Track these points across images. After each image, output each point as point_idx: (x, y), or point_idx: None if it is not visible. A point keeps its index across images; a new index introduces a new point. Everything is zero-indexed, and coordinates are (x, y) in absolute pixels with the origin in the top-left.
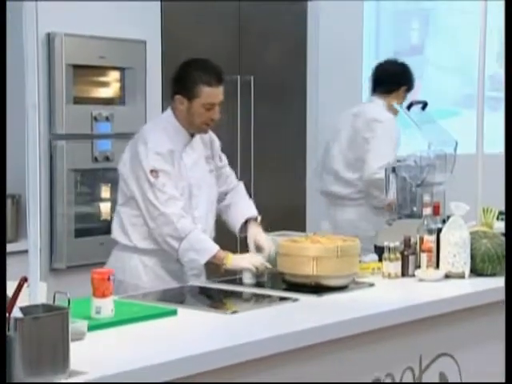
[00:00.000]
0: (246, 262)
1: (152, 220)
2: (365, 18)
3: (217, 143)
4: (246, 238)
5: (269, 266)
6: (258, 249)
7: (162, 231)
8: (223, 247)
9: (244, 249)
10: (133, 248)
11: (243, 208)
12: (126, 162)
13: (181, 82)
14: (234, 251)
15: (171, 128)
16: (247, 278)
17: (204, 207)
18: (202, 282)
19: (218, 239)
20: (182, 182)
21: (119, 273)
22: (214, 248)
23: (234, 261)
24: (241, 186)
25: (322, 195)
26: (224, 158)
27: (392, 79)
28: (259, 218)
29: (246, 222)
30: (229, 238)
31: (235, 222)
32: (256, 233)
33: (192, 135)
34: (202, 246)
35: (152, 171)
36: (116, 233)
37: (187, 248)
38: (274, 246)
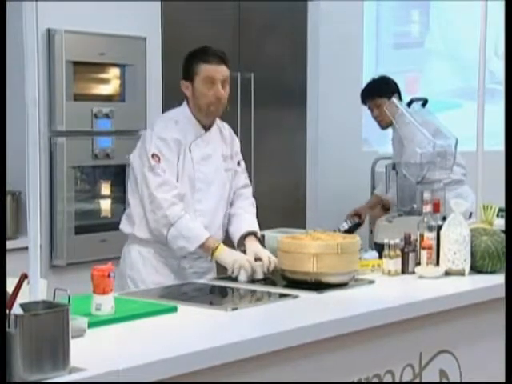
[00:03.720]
0: (232, 259)
1: (146, 204)
2: (365, 14)
3: (238, 145)
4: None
5: (260, 271)
6: (256, 260)
7: (153, 216)
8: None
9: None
10: (133, 237)
11: (246, 222)
12: (136, 150)
13: (184, 69)
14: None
15: (183, 118)
16: (241, 276)
17: (210, 203)
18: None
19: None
20: (184, 173)
21: (122, 264)
22: (204, 235)
23: (221, 254)
24: (252, 201)
25: None
26: (242, 163)
27: None
28: (260, 235)
29: (246, 236)
30: None
31: (236, 232)
32: (255, 246)
33: (207, 128)
34: (192, 234)
35: (154, 155)
36: (122, 223)
37: (176, 235)
38: (274, 260)
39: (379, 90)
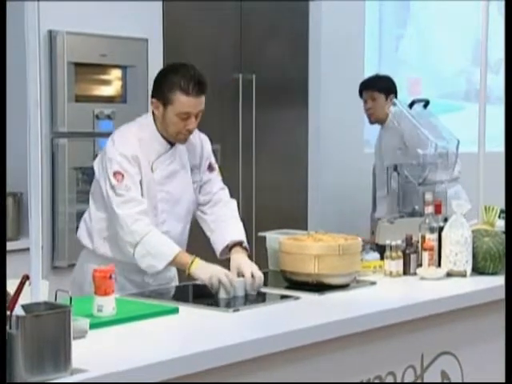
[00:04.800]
0: (208, 275)
1: (113, 223)
2: (367, 14)
3: (208, 148)
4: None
5: (241, 288)
6: (239, 276)
7: (119, 235)
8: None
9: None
10: (91, 252)
11: (231, 230)
12: (97, 160)
13: (158, 85)
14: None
15: (148, 134)
16: (221, 293)
17: (176, 222)
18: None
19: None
20: (147, 194)
21: (78, 275)
22: (173, 252)
23: (196, 269)
24: (233, 204)
25: None
26: (216, 166)
27: None
28: (246, 244)
29: (232, 247)
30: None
31: (219, 242)
32: (240, 259)
33: (172, 144)
34: (159, 250)
35: (116, 173)
36: (81, 233)
37: (143, 254)
38: (260, 276)
39: (380, 85)
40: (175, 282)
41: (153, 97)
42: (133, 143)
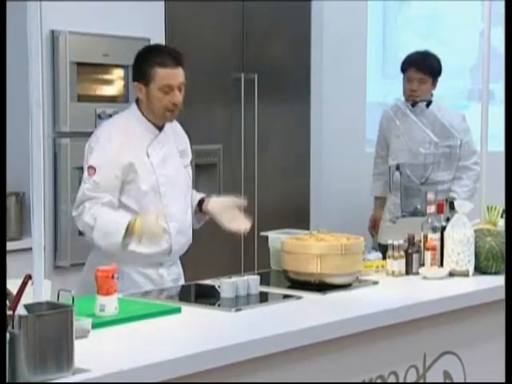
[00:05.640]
0: (149, 230)
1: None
2: (369, 15)
3: (188, 143)
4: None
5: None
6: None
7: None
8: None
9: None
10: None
11: (195, 195)
12: (86, 147)
13: (136, 67)
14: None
15: (135, 122)
16: (224, 292)
17: (178, 206)
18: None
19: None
20: (144, 181)
21: (88, 273)
22: (123, 222)
23: (141, 231)
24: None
25: None
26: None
27: None
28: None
29: (201, 209)
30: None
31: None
32: (214, 199)
33: (160, 129)
34: (112, 227)
35: (90, 167)
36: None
37: (100, 236)
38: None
39: (432, 67)
40: (183, 280)
41: (134, 81)
42: (120, 134)
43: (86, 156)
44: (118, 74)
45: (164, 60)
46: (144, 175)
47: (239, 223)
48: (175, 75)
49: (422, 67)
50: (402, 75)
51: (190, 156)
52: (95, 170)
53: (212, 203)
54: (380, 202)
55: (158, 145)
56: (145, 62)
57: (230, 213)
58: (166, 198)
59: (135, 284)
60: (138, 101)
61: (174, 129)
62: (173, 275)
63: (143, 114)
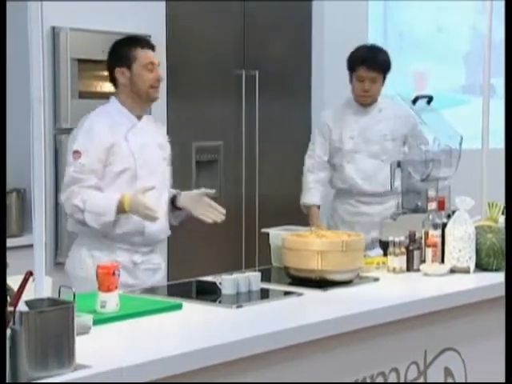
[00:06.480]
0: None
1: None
2: (370, 11)
3: (166, 133)
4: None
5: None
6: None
7: (66, 206)
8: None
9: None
10: (82, 235)
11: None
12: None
13: (116, 55)
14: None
15: (115, 111)
16: (225, 288)
17: (153, 192)
18: (158, 279)
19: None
20: (123, 164)
21: (69, 264)
22: (113, 200)
23: (131, 208)
24: None
25: None
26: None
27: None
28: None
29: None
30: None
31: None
32: (184, 194)
33: (139, 118)
34: (103, 208)
35: (75, 152)
36: (69, 223)
37: (92, 218)
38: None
39: (382, 63)
40: (163, 271)
41: (114, 68)
42: (103, 121)
43: (69, 146)
44: None
45: (142, 43)
46: (121, 158)
47: (212, 214)
48: (154, 56)
49: (375, 65)
50: (348, 72)
51: (168, 150)
52: (80, 154)
53: (183, 198)
54: (315, 211)
55: (137, 131)
56: (125, 47)
57: (202, 204)
58: (141, 180)
59: None
60: (116, 94)
61: (151, 122)
62: (148, 264)
63: (123, 105)
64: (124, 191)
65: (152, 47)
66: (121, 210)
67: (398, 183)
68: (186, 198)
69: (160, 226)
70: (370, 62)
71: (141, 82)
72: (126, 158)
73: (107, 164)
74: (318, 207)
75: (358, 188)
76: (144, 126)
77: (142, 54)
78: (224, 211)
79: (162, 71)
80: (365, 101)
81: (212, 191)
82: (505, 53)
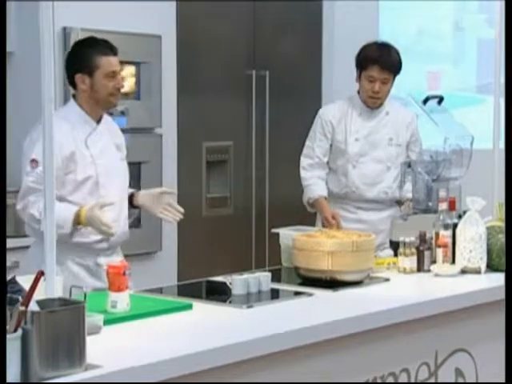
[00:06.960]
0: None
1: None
2: (380, 11)
3: (121, 134)
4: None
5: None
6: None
7: (22, 214)
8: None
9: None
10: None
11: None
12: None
13: (77, 60)
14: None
15: (74, 115)
16: (235, 289)
17: (115, 196)
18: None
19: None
20: (85, 171)
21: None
22: (70, 214)
23: (87, 221)
24: None
25: None
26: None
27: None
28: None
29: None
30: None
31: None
32: (142, 193)
33: (97, 122)
34: (60, 219)
35: (33, 160)
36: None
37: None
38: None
39: (395, 64)
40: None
41: (74, 74)
42: (61, 127)
43: (25, 152)
44: (129, 70)
45: (105, 49)
46: (83, 166)
47: (170, 213)
48: (116, 62)
49: (388, 66)
50: (355, 70)
51: (124, 151)
52: (38, 163)
53: (141, 196)
54: (323, 202)
55: (96, 136)
56: (86, 53)
57: (161, 203)
58: (104, 188)
59: (75, 275)
60: (74, 96)
61: (108, 123)
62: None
63: (82, 108)
64: (87, 199)
65: (115, 52)
66: (77, 222)
67: (406, 187)
68: (146, 197)
69: (122, 230)
70: (383, 62)
71: (102, 90)
72: (87, 165)
73: (68, 172)
74: (325, 198)
75: (359, 194)
76: (102, 128)
77: (105, 62)
78: (182, 210)
79: (123, 77)
80: (374, 104)
81: (172, 191)
82: (505, 53)
